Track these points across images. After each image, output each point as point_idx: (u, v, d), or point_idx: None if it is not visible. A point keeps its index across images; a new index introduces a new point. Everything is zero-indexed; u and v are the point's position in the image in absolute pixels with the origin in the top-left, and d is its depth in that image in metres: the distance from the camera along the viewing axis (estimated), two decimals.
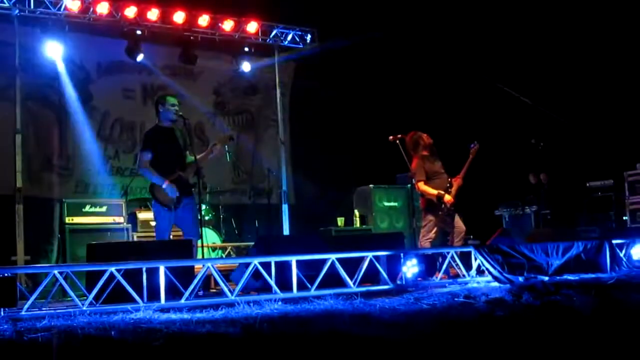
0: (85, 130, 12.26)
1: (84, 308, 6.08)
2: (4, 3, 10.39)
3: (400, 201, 12.54)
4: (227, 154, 8.81)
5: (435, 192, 8.96)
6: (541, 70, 13.35)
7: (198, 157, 8.07)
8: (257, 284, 7.25)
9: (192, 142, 8.35)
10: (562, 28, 12.99)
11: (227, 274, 7.43)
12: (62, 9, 10.79)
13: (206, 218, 11.10)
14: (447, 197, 8.94)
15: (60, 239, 10.14)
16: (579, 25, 12.79)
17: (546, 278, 7.78)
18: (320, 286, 7.04)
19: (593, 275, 8.07)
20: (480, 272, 8.10)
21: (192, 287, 6.55)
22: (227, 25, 12.22)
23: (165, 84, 12.98)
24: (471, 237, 11.21)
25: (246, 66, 12.97)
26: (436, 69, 13.76)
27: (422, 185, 9.08)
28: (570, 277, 7.91)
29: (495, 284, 7.65)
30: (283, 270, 7.07)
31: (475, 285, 7.73)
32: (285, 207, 12.72)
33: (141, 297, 6.34)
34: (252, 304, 6.35)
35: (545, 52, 13.25)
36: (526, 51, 13.31)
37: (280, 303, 6.40)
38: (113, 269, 6.29)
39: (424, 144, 9.20)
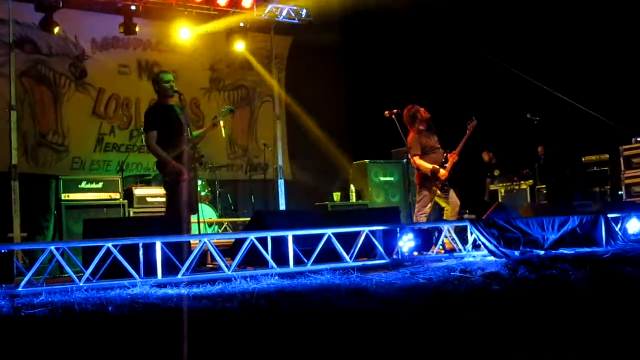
0: (80, 107, 12.24)
1: (81, 284, 6.07)
2: None
3: (396, 176, 12.56)
4: (223, 129, 8.79)
5: (430, 166, 8.95)
6: (537, 44, 13.30)
7: (200, 132, 8.06)
8: None
9: (187, 118, 8.34)
10: (558, 1, 12.93)
11: (223, 250, 7.43)
12: None
13: (202, 194, 11.10)
14: (442, 172, 8.92)
15: (56, 216, 10.15)
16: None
17: (542, 252, 7.79)
18: (317, 261, 7.04)
19: (589, 250, 8.07)
20: (476, 246, 8.11)
21: (188, 262, 6.56)
22: (222, 0, 12.15)
23: (160, 59, 12.93)
24: (467, 211, 11.24)
25: (241, 42, 12.91)
26: (433, 43, 13.70)
27: (417, 160, 9.05)
28: (566, 252, 7.92)
29: (492, 258, 7.66)
30: (280, 245, 7.07)
31: (471, 259, 7.74)
32: (281, 183, 12.73)
33: (138, 272, 6.34)
34: (249, 279, 6.36)
35: (542, 26, 13.19)
36: (523, 25, 13.24)
37: (277, 278, 6.41)
38: (110, 244, 6.29)
39: (422, 118, 9.15)
